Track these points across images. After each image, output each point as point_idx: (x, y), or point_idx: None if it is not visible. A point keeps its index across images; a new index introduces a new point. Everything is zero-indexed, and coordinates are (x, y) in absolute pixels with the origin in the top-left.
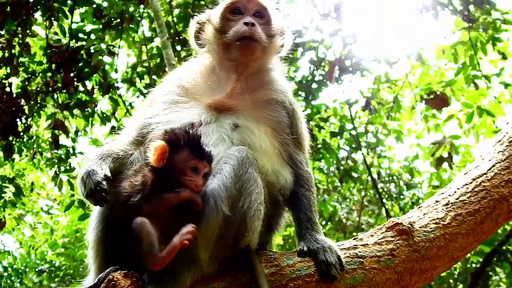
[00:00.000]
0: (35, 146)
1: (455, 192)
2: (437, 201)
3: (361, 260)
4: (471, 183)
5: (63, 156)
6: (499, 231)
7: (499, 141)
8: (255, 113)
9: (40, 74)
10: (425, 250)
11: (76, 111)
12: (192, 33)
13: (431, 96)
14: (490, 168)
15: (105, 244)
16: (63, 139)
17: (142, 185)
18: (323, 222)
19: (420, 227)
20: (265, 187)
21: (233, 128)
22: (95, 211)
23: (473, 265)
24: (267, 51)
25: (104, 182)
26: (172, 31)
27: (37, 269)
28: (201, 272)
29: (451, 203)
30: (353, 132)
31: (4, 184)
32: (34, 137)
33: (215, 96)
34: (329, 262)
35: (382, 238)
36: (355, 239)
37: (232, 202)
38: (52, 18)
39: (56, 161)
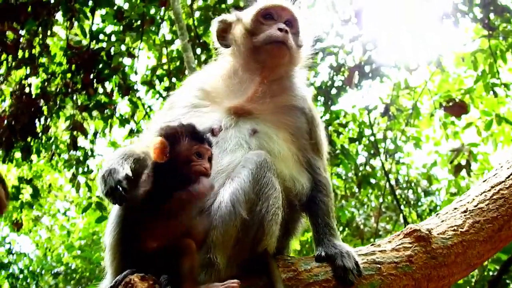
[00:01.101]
0: (53, 147)
1: (473, 199)
2: (455, 208)
3: (379, 266)
4: (489, 190)
5: (81, 158)
6: None
7: None
8: (274, 118)
9: (60, 75)
10: (442, 257)
11: (95, 113)
12: (215, 32)
13: (450, 103)
14: (508, 176)
15: (123, 247)
16: (81, 141)
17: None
18: (341, 228)
19: (438, 234)
20: (282, 192)
21: (252, 133)
22: (113, 213)
23: (490, 273)
24: (293, 60)
25: (125, 181)
26: (192, 34)
27: (53, 271)
28: (219, 276)
29: (469, 210)
30: (372, 138)
31: (21, 185)
32: (53, 138)
33: (235, 99)
34: (347, 267)
35: (400, 245)
36: (372, 245)
37: (250, 206)
38: (73, 19)
39: (74, 162)
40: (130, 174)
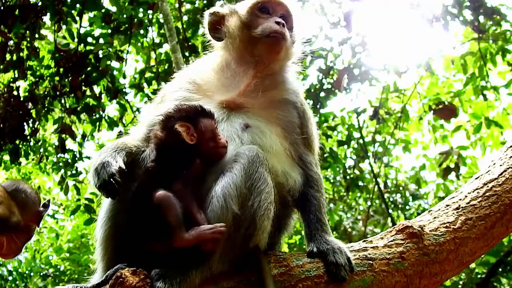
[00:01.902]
0: (41, 150)
1: (466, 196)
2: (447, 205)
3: (371, 262)
4: (482, 187)
5: (69, 161)
6: (505, 241)
7: (511, 146)
8: (266, 112)
9: (48, 78)
10: (435, 253)
11: (83, 116)
12: (207, 25)
13: (440, 106)
14: (501, 173)
15: (114, 241)
16: (70, 144)
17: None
18: None
19: (430, 231)
20: (274, 188)
21: (244, 128)
22: (104, 208)
23: (478, 276)
24: (288, 55)
25: (118, 175)
26: (181, 37)
27: (42, 274)
28: (210, 271)
29: (462, 207)
30: (361, 141)
31: None
32: (41, 141)
33: (227, 93)
34: (339, 263)
35: (392, 241)
36: (365, 241)
37: (242, 201)
38: (61, 22)
39: (63, 165)
40: (123, 167)
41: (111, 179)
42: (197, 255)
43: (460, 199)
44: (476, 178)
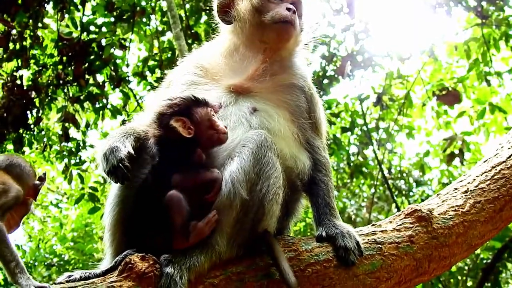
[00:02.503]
0: (45, 139)
1: (474, 179)
2: (456, 189)
3: (380, 246)
4: (490, 170)
5: (73, 149)
6: (510, 227)
7: None
8: (274, 96)
9: (51, 67)
10: (444, 237)
11: (86, 104)
12: (217, 7)
13: (443, 92)
14: (509, 156)
15: (122, 227)
16: (73, 132)
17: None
18: None
19: (439, 214)
20: (283, 172)
21: (252, 111)
22: (112, 194)
23: (484, 261)
24: (297, 42)
25: (127, 160)
26: (184, 25)
27: (46, 263)
28: (219, 257)
29: (470, 190)
30: (364, 128)
31: None
32: (45, 130)
33: (235, 77)
34: (348, 247)
35: (400, 225)
36: (373, 225)
37: (250, 185)
38: (64, 11)
39: (67, 154)
40: (132, 152)
41: (120, 164)
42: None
43: (469, 182)
44: (484, 161)
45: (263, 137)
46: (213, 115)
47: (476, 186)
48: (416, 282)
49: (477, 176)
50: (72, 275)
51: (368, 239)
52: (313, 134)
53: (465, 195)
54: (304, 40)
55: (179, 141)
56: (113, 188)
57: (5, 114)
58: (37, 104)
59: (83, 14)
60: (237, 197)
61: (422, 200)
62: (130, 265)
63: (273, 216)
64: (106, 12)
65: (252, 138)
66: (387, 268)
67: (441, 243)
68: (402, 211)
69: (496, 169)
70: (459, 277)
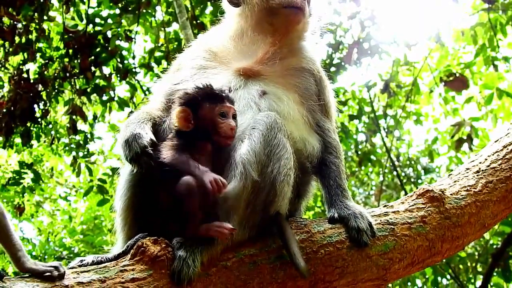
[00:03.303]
0: (53, 132)
1: (485, 159)
2: (467, 169)
3: (392, 227)
4: (502, 150)
5: (81, 142)
6: None
7: None
8: (283, 80)
9: (58, 60)
10: (456, 217)
11: (93, 97)
12: None
13: (451, 78)
14: None
15: (134, 211)
16: (81, 125)
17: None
18: None
19: (451, 194)
20: (293, 154)
21: (261, 94)
22: (123, 179)
23: (494, 246)
24: (306, 27)
25: (150, 147)
26: (189, 14)
27: (56, 256)
28: (231, 239)
29: (482, 170)
30: (372, 116)
31: (22, 170)
32: (52, 123)
33: (244, 60)
34: (361, 228)
35: (413, 205)
36: (385, 206)
37: (261, 167)
38: (69, 3)
39: (75, 146)
40: (154, 139)
41: (143, 151)
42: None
43: (480, 162)
44: (495, 141)
45: (273, 119)
46: (223, 114)
47: (488, 166)
48: (429, 263)
49: (488, 156)
50: (84, 260)
51: (381, 220)
52: (323, 116)
53: (477, 175)
54: (312, 25)
55: (182, 131)
56: (123, 174)
57: (12, 108)
58: (44, 97)
59: (89, 6)
60: (248, 179)
61: None
62: (142, 248)
63: (284, 197)
64: (111, 4)
65: (262, 120)
66: (400, 249)
67: (454, 223)
68: (414, 192)
69: (507, 149)
70: (469, 263)
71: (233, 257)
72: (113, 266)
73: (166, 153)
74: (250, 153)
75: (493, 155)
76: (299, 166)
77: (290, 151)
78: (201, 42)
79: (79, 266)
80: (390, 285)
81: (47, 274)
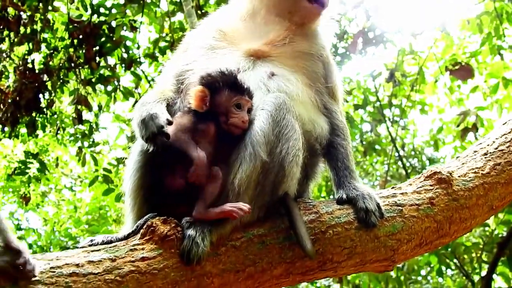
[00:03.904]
0: (58, 122)
1: (493, 142)
2: (475, 151)
3: (400, 208)
4: (510, 132)
5: (86, 132)
6: None
7: None
8: (292, 62)
9: (62, 50)
10: (464, 199)
11: (98, 87)
12: None
13: (456, 67)
14: None
15: (143, 192)
16: (86, 115)
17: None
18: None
19: (459, 176)
20: (302, 135)
21: (270, 76)
22: (132, 159)
23: (499, 236)
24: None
25: (167, 127)
26: (194, 3)
27: (61, 246)
28: (240, 219)
29: (490, 152)
30: (377, 105)
31: (28, 160)
32: (57, 113)
33: (254, 41)
34: (369, 209)
35: (421, 187)
36: (393, 187)
37: (270, 148)
38: None
39: (80, 136)
40: (170, 118)
41: (160, 131)
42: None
43: (488, 145)
44: (504, 124)
45: (281, 100)
46: (239, 106)
47: (496, 148)
48: (437, 244)
49: (496, 138)
50: (94, 239)
51: (389, 201)
52: (330, 99)
53: (485, 157)
54: (327, 15)
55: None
56: (132, 154)
57: (17, 98)
58: (49, 87)
59: None
60: (258, 159)
61: None
62: (152, 228)
63: (293, 178)
64: None
65: (270, 101)
66: (408, 230)
67: (462, 205)
68: (422, 174)
69: None
70: (474, 252)
71: (242, 237)
72: (123, 245)
73: (172, 130)
74: (259, 133)
75: (501, 137)
76: (307, 147)
77: (299, 132)
78: (210, 22)
79: (89, 245)
80: (395, 274)
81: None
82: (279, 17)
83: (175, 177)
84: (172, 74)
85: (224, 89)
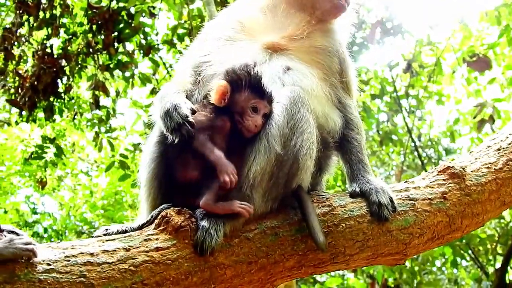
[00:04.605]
0: (75, 107)
1: (507, 137)
2: (488, 146)
3: (413, 202)
4: None
5: (103, 117)
6: None
7: None
8: (308, 56)
9: (81, 35)
10: (476, 194)
11: (116, 73)
12: None
13: (474, 59)
14: None
15: (158, 182)
16: (103, 100)
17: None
18: None
19: (471, 171)
20: (316, 129)
21: (285, 70)
22: (147, 150)
23: None
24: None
25: (191, 117)
26: None
27: (76, 230)
28: (254, 211)
29: (503, 148)
30: (394, 95)
31: (45, 145)
32: (75, 98)
33: (273, 34)
34: (382, 203)
35: (433, 181)
36: (406, 181)
37: (284, 141)
38: None
39: (97, 122)
40: (194, 108)
41: (185, 121)
42: (241, 195)
43: (501, 140)
44: None
45: (296, 93)
46: (255, 109)
47: (509, 144)
48: (449, 239)
49: (510, 134)
50: (109, 229)
51: (401, 195)
52: (344, 93)
53: (498, 153)
54: (349, 11)
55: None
56: (148, 145)
57: (36, 83)
58: (67, 73)
59: None
60: (272, 152)
61: None
62: (166, 218)
63: (307, 170)
64: None
65: (285, 95)
66: (420, 224)
67: (474, 200)
68: (435, 168)
69: None
70: (489, 244)
71: (255, 228)
72: (138, 235)
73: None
74: (273, 126)
75: None
76: (321, 141)
77: (313, 126)
78: (230, 13)
79: (104, 235)
80: (409, 264)
81: None
82: (301, 11)
83: (188, 168)
84: (190, 65)
85: (245, 89)
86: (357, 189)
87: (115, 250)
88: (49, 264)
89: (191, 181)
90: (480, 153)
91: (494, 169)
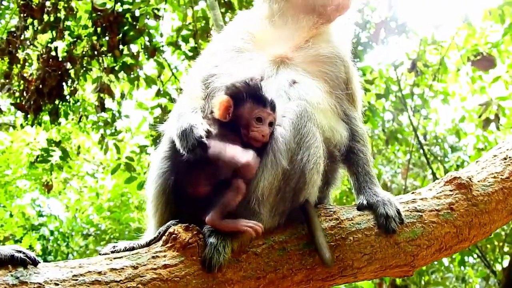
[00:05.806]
0: (81, 109)
1: None
2: (495, 155)
3: (420, 214)
4: None
5: (109, 120)
6: None
7: None
8: (314, 67)
9: (86, 38)
10: (483, 204)
11: (121, 75)
12: None
13: (478, 57)
14: None
15: (165, 198)
16: (108, 103)
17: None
18: None
19: (478, 181)
20: (322, 143)
21: (291, 83)
22: (155, 165)
23: None
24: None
25: (206, 138)
26: None
27: (83, 233)
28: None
29: (510, 157)
30: (399, 94)
31: (50, 148)
32: (80, 101)
33: (280, 45)
34: (389, 215)
35: (440, 192)
36: (413, 193)
37: (291, 155)
38: None
39: (102, 124)
40: (209, 129)
41: (200, 142)
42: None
43: (508, 149)
44: None
45: (303, 107)
46: (260, 119)
47: None
48: (456, 249)
49: None
50: (116, 246)
51: (409, 207)
52: (350, 105)
53: (505, 162)
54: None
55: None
56: (155, 160)
57: (41, 86)
58: (72, 75)
59: None
60: (279, 166)
61: (458, 166)
62: (174, 235)
63: (314, 185)
64: None
65: (292, 109)
66: (428, 236)
67: (481, 210)
68: (442, 179)
69: None
70: (496, 243)
71: (263, 243)
72: (145, 252)
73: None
74: (280, 141)
75: None
76: (328, 154)
77: (319, 140)
78: (239, 23)
79: (112, 252)
80: None
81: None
82: (309, 13)
83: (200, 183)
84: (199, 78)
85: (247, 101)
86: (364, 202)
87: (123, 268)
88: (56, 284)
89: (201, 196)
90: (486, 163)
91: (501, 178)
